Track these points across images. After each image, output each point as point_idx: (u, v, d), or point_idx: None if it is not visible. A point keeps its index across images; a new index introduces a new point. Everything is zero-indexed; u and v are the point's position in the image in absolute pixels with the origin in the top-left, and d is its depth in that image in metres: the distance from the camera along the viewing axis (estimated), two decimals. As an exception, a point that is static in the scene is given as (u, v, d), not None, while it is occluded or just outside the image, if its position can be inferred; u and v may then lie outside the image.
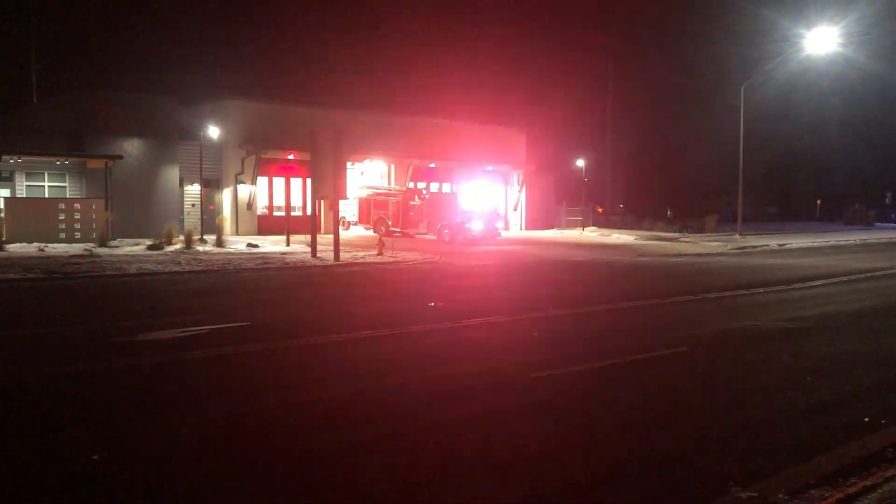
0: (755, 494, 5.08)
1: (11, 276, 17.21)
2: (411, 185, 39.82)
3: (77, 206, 27.92)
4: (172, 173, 32.39)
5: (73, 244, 25.97)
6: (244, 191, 35.13)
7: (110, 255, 22.48)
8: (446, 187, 43.83)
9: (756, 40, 50.11)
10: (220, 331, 10.82)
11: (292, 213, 35.67)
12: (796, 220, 61.38)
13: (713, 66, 64.53)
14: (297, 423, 6.64)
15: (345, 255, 23.29)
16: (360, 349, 9.88)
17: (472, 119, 45.94)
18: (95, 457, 5.68)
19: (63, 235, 27.08)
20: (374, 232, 34.58)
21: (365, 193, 37.73)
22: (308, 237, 25.25)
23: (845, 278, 19.86)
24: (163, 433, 6.32)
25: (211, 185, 34.12)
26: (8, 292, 15.34)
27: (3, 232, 24.78)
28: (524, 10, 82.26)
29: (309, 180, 26.23)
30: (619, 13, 78.91)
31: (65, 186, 30.27)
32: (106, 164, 28.58)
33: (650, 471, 5.65)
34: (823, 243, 37.13)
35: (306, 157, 26.69)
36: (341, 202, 25.83)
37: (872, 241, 39.68)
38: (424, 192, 35.80)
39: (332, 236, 23.55)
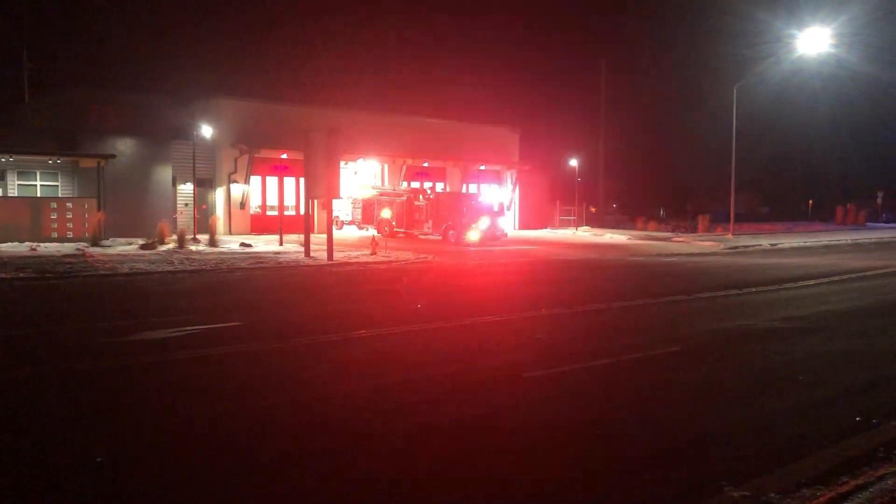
0: (747, 493, 5.11)
1: (3, 275, 17.12)
2: (416, 185, 39.60)
3: (69, 205, 27.82)
4: (165, 173, 32.29)
5: (66, 244, 25.88)
6: (237, 190, 35.05)
7: (103, 255, 22.41)
8: (439, 187, 43.82)
9: (749, 41, 50.41)
10: (212, 331, 10.80)
11: (285, 213, 35.64)
12: (788, 220, 61.51)
13: (706, 67, 64.76)
14: (287, 425, 6.64)
15: (338, 255, 23.27)
16: (352, 349, 9.88)
17: (466, 119, 45.96)
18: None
19: (55, 235, 26.98)
20: (378, 232, 34.37)
21: (369, 194, 37.41)
22: (301, 237, 25.21)
23: (837, 278, 19.94)
24: (152, 433, 6.31)
25: (204, 184, 34.03)
26: (-1, 292, 15.28)
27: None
28: (517, 10, 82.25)
29: (302, 180, 26.19)
30: (612, 14, 79.06)
31: (57, 186, 30.15)
32: (98, 163, 28.47)
33: (642, 471, 5.67)
34: (815, 243, 37.27)
35: (299, 156, 26.64)
36: (335, 202, 25.83)
37: (863, 240, 39.84)
38: (429, 192, 35.43)
39: (325, 236, 23.51)
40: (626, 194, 69.62)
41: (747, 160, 49.82)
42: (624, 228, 46.63)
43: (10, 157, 27.99)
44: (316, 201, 31.45)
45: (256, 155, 34.76)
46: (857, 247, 35.10)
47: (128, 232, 28.45)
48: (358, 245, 27.42)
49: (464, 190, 42.80)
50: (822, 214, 67.65)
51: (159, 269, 19.14)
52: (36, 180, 29.77)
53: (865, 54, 47.07)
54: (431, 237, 33.45)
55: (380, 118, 40.48)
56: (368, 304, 14.50)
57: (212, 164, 34.34)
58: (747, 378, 8.64)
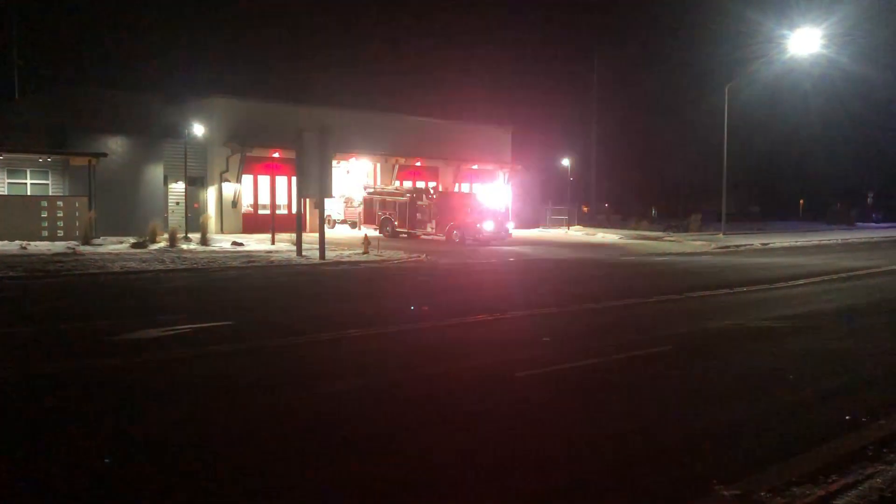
0: (738, 492, 5.13)
1: (-7, 274, 17.05)
2: (418, 184, 39.38)
3: (60, 203, 27.70)
4: (157, 171, 32.18)
5: (56, 242, 25.76)
6: (229, 189, 34.97)
7: (94, 254, 22.32)
8: (432, 186, 43.80)
9: (740, 41, 50.55)
10: (203, 330, 10.77)
11: (277, 212, 35.54)
12: (779, 220, 61.88)
13: (698, 67, 64.96)
14: (282, 423, 6.64)
15: (330, 254, 23.25)
16: (344, 348, 9.88)
17: (458, 118, 46.02)
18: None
19: (46, 234, 26.86)
20: (380, 233, 34.18)
21: (370, 193, 37.05)
22: (293, 236, 25.18)
23: (827, 277, 20.04)
24: (140, 434, 6.30)
25: (195, 183, 33.94)
26: (-11, 291, 15.20)
27: (-15, 230, 24.55)
28: (510, 10, 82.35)
29: (294, 179, 26.16)
30: (604, 14, 79.20)
31: (47, 184, 30.01)
32: (89, 161, 28.36)
33: (633, 470, 5.69)
34: (806, 243, 37.45)
35: (291, 155, 26.61)
36: (327, 201, 25.77)
37: (854, 240, 40.06)
38: (432, 192, 35.09)
39: (317, 235, 23.50)
40: (617, 194, 69.82)
41: (739, 160, 50.00)
42: (616, 228, 46.75)
43: (1, 155, 27.84)
44: (308, 200, 31.39)
45: (248, 154, 34.69)
46: (847, 247, 35.30)
47: (119, 231, 28.35)
48: (350, 244, 27.40)
49: (456, 189, 42.78)
50: (813, 214, 68.05)
51: (151, 268, 19.08)
52: (26, 178, 29.61)
53: (856, 55, 47.34)
54: (435, 237, 33.07)
55: (372, 117, 40.45)
56: (359, 304, 14.49)
57: (203, 163, 34.25)
58: (738, 377, 8.68)
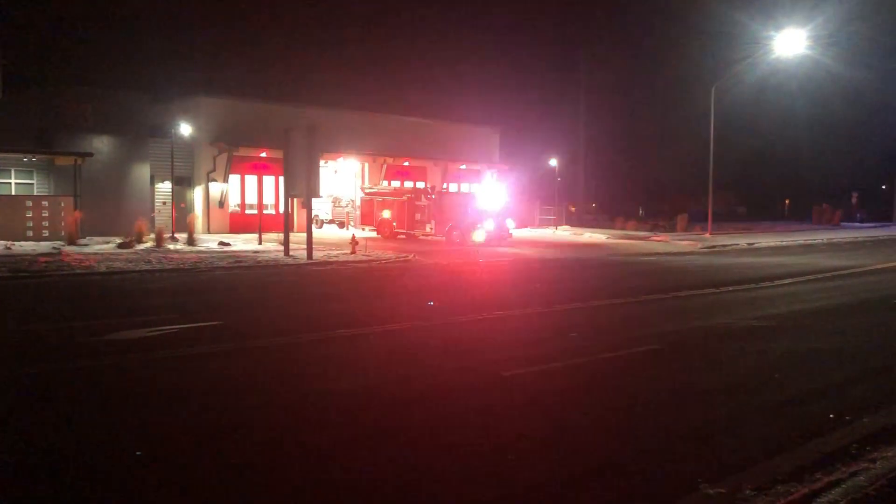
0: (723, 490, 5.16)
1: (-23, 274, 16.92)
2: (422, 184, 39.12)
3: (45, 203, 27.50)
4: (143, 171, 32.01)
5: (41, 242, 25.58)
6: (216, 189, 34.82)
7: (79, 254, 22.16)
8: (419, 186, 43.79)
9: (727, 42, 50.75)
10: (189, 330, 10.73)
11: (265, 212, 35.44)
12: (765, 220, 62.17)
13: (685, 68, 65.24)
14: (263, 426, 6.62)
15: (318, 254, 23.19)
16: (332, 349, 9.87)
17: (446, 118, 46.03)
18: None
19: (31, 234, 26.65)
20: (378, 234, 33.96)
21: (367, 194, 36.70)
22: (281, 235, 25.11)
23: (812, 277, 20.18)
24: (125, 435, 6.27)
25: (182, 182, 33.77)
26: (-27, 291, 15.08)
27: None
28: (498, 11, 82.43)
29: (282, 178, 26.08)
30: (592, 15, 79.37)
31: (32, 184, 29.79)
32: (75, 161, 28.17)
33: (618, 468, 5.71)
34: (791, 242, 37.69)
35: (279, 154, 26.52)
36: (315, 200, 25.70)
37: (838, 240, 40.35)
38: (431, 192, 34.76)
39: (305, 235, 23.44)
40: (605, 194, 70.05)
41: (725, 160, 50.23)
42: (603, 228, 46.87)
43: (-15, 154, 27.64)
44: (295, 200, 31.31)
45: (235, 153, 34.56)
46: (832, 246, 35.54)
47: (105, 231, 28.18)
48: (338, 244, 27.34)
49: (444, 189, 42.76)
50: (799, 214, 68.47)
51: (137, 269, 18.97)
52: (11, 178, 29.39)
53: (840, 56, 47.60)
54: (435, 238, 32.65)
55: (360, 117, 40.39)
56: (347, 304, 14.47)
57: (190, 163, 34.09)
58: (724, 376, 8.73)
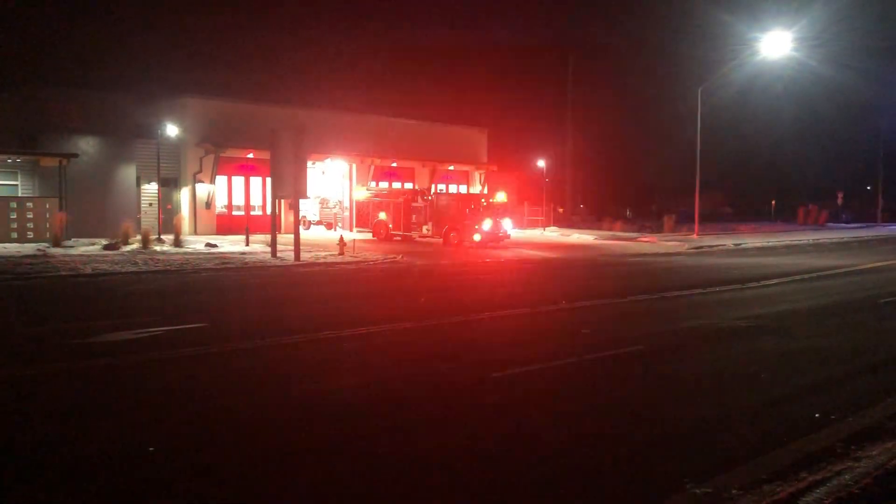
0: (709, 490, 5.19)
1: (-40, 276, 16.75)
2: (410, 185, 38.80)
3: (30, 205, 27.27)
4: (129, 172, 31.79)
5: (26, 244, 25.35)
6: (203, 190, 34.63)
7: (65, 256, 21.99)
8: (408, 187, 43.75)
9: (713, 44, 51.13)
10: (176, 332, 10.67)
11: (252, 213, 35.30)
12: (752, 220, 62.49)
13: (671, 69, 65.57)
14: (253, 427, 6.60)
15: (305, 255, 23.13)
16: (321, 349, 9.84)
17: (434, 119, 45.99)
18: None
19: (15, 235, 26.42)
20: (374, 236, 33.70)
21: (365, 196, 36.30)
22: (268, 237, 25.02)
23: (798, 277, 20.31)
24: (110, 436, 6.23)
25: (169, 183, 33.56)
26: (-43, 294, 14.93)
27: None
28: (486, 12, 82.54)
29: (269, 179, 25.98)
30: (578, 17, 79.67)
31: (17, 185, 29.52)
32: (60, 162, 27.94)
33: (605, 469, 5.72)
34: (777, 243, 37.91)
35: (266, 156, 26.41)
36: (302, 201, 25.61)
37: (824, 240, 40.61)
38: (428, 193, 34.33)
39: (292, 236, 23.37)
40: (593, 195, 70.23)
41: (711, 161, 50.49)
42: (591, 228, 46.96)
43: (-32, 155, 27.38)
44: (283, 201, 31.19)
45: (222, 154, 34.38)
46: (817, 247, 35.78)
47: (91, 232, 27.95)
48: (326, 246, 27.27)
49: (432, 190, 42.70)
50: (785, 215, 68.88)
51: (123, 270, 18.85)
52: (-6, 179, 29.14)
53: (825, 58, 47.96)
54: (432, 240, 32.30)
55: (347, 118, 40.31)
56: (333, 306, 14.44)
57: (177, 164, 33.89)
58: (710, 376, 8.76)
